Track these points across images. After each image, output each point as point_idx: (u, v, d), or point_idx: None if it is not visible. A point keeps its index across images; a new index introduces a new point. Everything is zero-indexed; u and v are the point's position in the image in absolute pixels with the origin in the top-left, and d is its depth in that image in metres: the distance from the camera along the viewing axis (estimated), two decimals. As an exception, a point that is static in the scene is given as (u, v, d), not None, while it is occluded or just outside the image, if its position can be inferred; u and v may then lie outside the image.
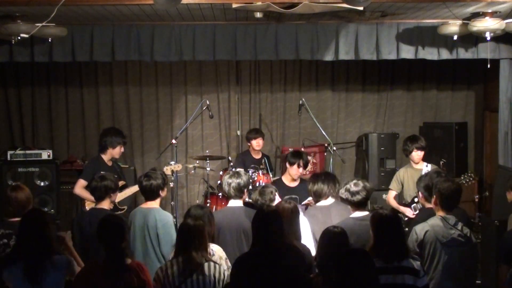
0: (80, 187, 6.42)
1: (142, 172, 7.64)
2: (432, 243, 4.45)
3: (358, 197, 4.85)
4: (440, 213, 4.59)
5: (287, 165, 6.57)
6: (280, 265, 3.78)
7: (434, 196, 4.67)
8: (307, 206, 6.24)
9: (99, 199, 5.22)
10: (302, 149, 8.13)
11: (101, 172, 6.47)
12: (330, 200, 5.42)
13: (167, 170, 6.79)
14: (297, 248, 4.38)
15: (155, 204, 5.21)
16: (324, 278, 3.73)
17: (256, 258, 3.84)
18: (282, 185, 6.45)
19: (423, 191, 5.23)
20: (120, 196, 6.52)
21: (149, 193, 5.18)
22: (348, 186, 4.92)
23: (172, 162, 6.99)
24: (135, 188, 6.48)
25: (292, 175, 6.48)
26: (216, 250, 4.42)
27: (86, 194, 6.39)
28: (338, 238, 3.96)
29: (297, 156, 6.49)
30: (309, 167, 8.61)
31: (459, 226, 4.50)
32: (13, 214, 4.74)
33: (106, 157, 6.62)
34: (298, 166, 6.45)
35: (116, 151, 6.64)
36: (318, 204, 5.44)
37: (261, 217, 4.09)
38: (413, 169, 6.64)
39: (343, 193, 4.92)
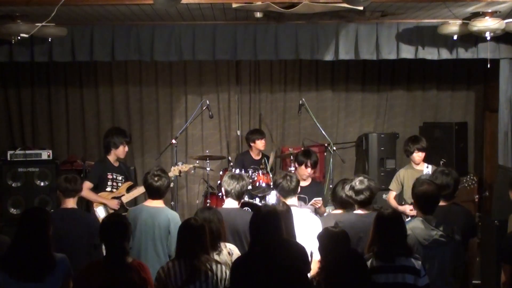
0: (86, 189, 6.34)
1: (143, 172, 7.64)
2: (413, 246, 4.29)
3: (361, 197, 4.80)
4: (421, 215, 4.52)
5: (296, 164, 6.70)
6: (279, 266, 3.77)
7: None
8: (315, 207, 6.24)
9: (65, 197, 5.14)
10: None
11: (107, 174, 6.50)
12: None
13: (175, 170, 6.72)
14: (295, 243, 4.34)
15: (161, 203, 5.20)
16: (326, 277, 3.73)
17: (255, 259, 3.83)
18: None
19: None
20: (128, 197, 6.54)
21: (159, 192, 5.16)
22: (353, 184, 4.84)
23: (180, 163, 6.92)
24: (142, 189, 6.45)
25: (300, 175, 6.41)
26: (232, 249, 4.42)
27: (92, 196, 6.44)
28: (338, 237, 3.97)
29: (306, 156, 6.56)
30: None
31: (441, 226, 4.40)
32: None
33: (111, 158, 6.62)
34: (306, 166, 6.51)
35: (119, 151, 6.63)
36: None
37: (259, 217, 4.08)
38: (414, 170, 6.62)
39: (348, 190, 4.87)
